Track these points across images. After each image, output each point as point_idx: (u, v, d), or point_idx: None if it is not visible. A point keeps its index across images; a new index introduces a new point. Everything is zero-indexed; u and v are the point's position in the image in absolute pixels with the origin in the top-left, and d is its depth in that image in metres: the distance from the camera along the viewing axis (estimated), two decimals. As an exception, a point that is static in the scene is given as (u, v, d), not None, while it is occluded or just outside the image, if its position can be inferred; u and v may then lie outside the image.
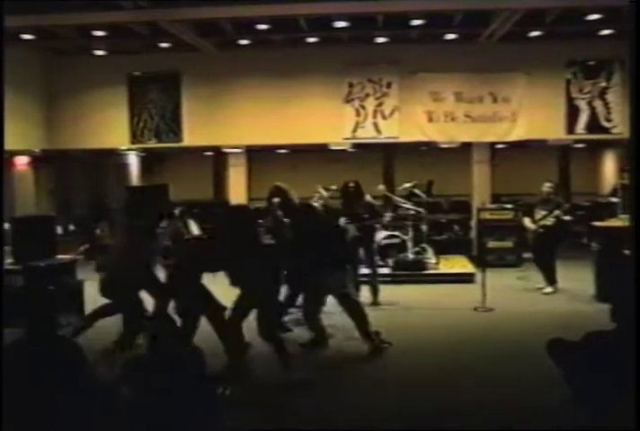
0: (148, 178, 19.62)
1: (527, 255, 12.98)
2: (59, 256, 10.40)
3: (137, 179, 19.46)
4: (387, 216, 11.54)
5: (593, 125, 14.75)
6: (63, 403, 4.70)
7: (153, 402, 4.70)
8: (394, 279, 12.12)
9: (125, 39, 13.98)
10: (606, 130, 14.63)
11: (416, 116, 14.95)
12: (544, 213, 11.34)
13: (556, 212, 11.23)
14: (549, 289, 11.34)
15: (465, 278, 12.33)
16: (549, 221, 11.25)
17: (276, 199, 9.91)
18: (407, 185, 13.49)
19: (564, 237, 11.98)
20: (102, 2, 11.41)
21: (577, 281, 11.45)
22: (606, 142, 15.73)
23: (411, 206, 13.03)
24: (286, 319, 9.04)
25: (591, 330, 5.84)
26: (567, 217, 11.34)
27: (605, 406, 5.37)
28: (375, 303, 10.44)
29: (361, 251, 10.55)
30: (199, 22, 13.16)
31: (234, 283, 7.21)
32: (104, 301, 8.52)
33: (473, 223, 15.01)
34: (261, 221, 8.88)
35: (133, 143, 15.65)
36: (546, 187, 11.55)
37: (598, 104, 14.71)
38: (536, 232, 11.38)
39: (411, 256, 12.83)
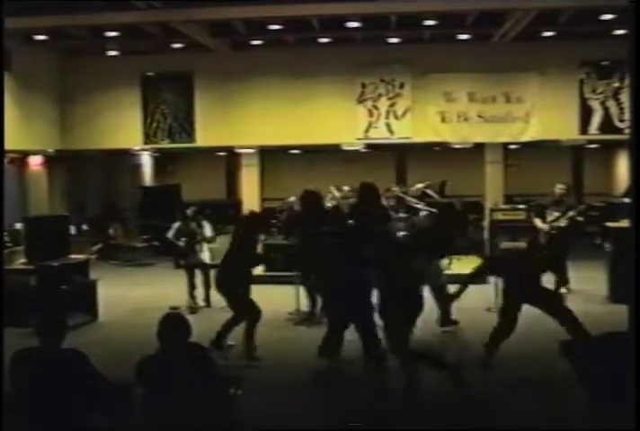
0: (161, 178, 19.67)
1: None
2: (72, 256, 10.45)
3: (151, 179, 19.51)
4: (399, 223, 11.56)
5: (606, 125, 14.70)
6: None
7: (165, 403, 4.71)
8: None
9: (138, 39, 14.03)
10: (619, 130, 14.55)
11: (429, 116, 14.93)
12: (557, 214, 11.28)
13: (570, 213, 11.18)
14: (562, 290, 11.28)
15: (477, 279, 12.25)
16: (562, 222, 11.20)
17: (292, 199, 9.99)
18: (420, 185, 13.45)
19: (577, 238, 11.91)
20: (116, 2, 11.44)
21: (590, 282, 11.40)
22: (619, 142, 15.64)
23: (423, 207, 12.98)
24: None
25: (605, 331, 5.81)
26: (580, 218, 11.29)
27: (619, 406, 5.34)
28: None
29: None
30: (211, 23, 13.20)
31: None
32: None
33: (485, 223, 14.96)
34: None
35: (146, 143, 15.69)
36: (559, 188, 11.51)
37: (611, 104, 14.66)
38: (548, 233, 11.33)
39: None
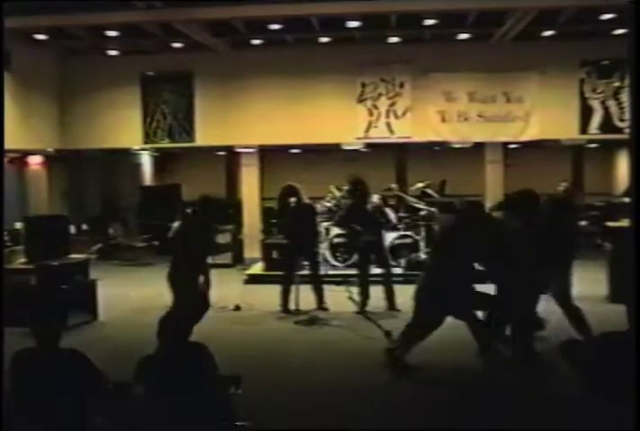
0: (161, 177, 19.68)
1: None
2: (72, 255, 10.45)
3: (150, 178, 19.52)
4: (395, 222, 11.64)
5: (607, 125, 14.70)
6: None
7: (165, 403, 4.71)
8: (406, 279, 12.06)
9: (138, 38, 14.04)
10: (619, 130, 14.55)
11: (429, 116, 14.93)
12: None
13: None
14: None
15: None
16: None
17: (293, 199, 9.99)
18: (420, 185, 13.47)
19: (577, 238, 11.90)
20: (116, 2, 11.44)
21: (590, 282, 11.36)
22: (619, 142, 15.65)
23: (423, 206, 12.99)
24: None
25: (606, 331, 5.80)
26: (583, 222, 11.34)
27: (619, 406, 5.34)
28: (393, 308, 10.40)
29: (372, 255, 10.55)
30: (211, 22, 13.21)
31: None
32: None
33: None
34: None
35: (146, 142, 15.69)
36: (562, 186, 11.57)
37: (611, 104, 14.66)
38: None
39: (423, 256, 12.79)
